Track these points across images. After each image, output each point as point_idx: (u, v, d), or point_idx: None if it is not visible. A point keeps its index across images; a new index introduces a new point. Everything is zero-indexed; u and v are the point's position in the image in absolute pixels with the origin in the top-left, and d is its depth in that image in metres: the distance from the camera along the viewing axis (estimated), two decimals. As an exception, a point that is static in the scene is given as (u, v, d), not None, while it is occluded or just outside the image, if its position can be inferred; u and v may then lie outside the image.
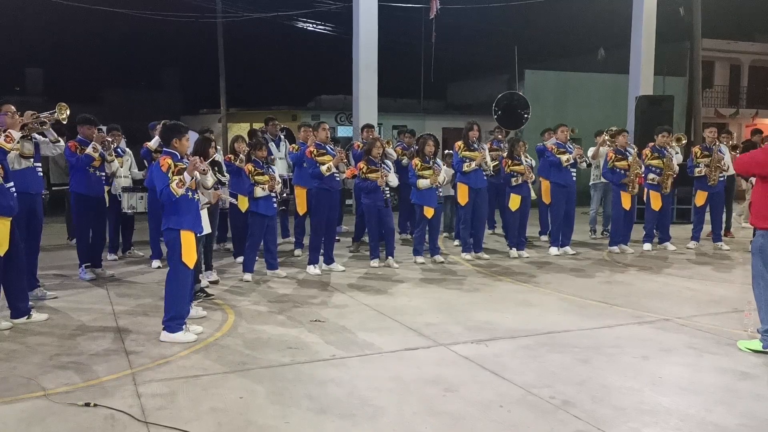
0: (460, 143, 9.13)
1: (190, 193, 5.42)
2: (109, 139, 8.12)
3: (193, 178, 5.37)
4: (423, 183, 8.70)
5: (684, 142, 10.87)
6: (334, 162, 8.07)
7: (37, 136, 6.57)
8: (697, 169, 10.21)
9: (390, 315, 6.28)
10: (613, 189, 9.97)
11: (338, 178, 8.33)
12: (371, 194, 8.48)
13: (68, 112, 6.53)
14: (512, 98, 14.52)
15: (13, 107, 5.88)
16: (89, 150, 7.50)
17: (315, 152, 8.12)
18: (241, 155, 8.07)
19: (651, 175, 9.96)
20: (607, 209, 11.12)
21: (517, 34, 22.68)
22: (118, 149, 8.78)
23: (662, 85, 19.04)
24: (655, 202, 10.02)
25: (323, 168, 7.98)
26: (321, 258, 8.35)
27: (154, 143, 8.26)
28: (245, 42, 30.61)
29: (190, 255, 5.43)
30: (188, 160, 5.47)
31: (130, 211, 8.80)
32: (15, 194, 5.71)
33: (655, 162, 10.01)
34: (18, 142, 5.88)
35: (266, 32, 30.77)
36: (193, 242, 5.46)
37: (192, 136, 6.15)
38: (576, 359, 5.06)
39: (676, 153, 10.47)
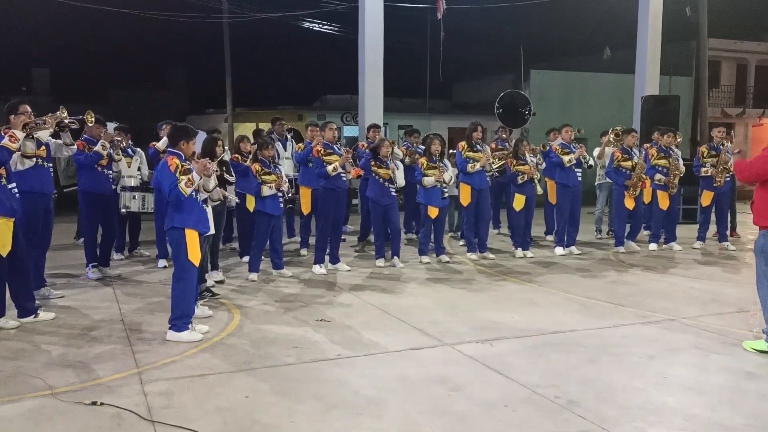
0: (463, 144, 9.15)
1: (194, 193, 5.45)
2: (119, 138, 8.15)
3: (201, 178, 5.41)
4: (428, 180, 8.71)
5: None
6: (340, 162, 8.06)
7: (50, 138, 6.62)
8: (703, 169, 10.15)
9: (395, 314, 6.29)
10: (617, 189, 9.93)
11: (344, 179, 8.33)
12: (378, 192, 8.49)
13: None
14: (514, 96, 14.52)
15: (28, 107, 5.96)
16: (98, 147, 7.51)
17: (322, 151, 8.14)
18: (246, 155, 8.07)
19: (658, 176, 9.94)
20: (612, 209, 11.10)
21: (522, 33, 22.61)
22: (128, 149, 8.79)
23: (668, 84, 19.01)
24: (663, 202, 10.01)
25: (329, 168, 7.99)
26: (327, 257, 8.37)
27: (162, 144, 8.26)
28: (251, 42, 30.63)
29: (195, 253, 5.45)
30: (193, 161, 5.51)
31: (123, 210, 8.58)
32: (17, 195, 5.73)
33: (661, 162, 9.99)
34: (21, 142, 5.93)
35: (272, 32, 30.84)
36: (197, 240, 5.49)
37: (200, 136, 6.18)
38: (581, 359, 5.06)
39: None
